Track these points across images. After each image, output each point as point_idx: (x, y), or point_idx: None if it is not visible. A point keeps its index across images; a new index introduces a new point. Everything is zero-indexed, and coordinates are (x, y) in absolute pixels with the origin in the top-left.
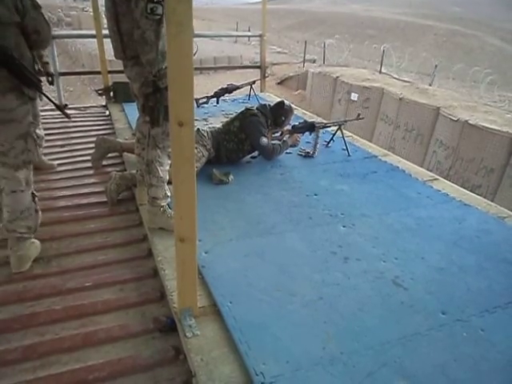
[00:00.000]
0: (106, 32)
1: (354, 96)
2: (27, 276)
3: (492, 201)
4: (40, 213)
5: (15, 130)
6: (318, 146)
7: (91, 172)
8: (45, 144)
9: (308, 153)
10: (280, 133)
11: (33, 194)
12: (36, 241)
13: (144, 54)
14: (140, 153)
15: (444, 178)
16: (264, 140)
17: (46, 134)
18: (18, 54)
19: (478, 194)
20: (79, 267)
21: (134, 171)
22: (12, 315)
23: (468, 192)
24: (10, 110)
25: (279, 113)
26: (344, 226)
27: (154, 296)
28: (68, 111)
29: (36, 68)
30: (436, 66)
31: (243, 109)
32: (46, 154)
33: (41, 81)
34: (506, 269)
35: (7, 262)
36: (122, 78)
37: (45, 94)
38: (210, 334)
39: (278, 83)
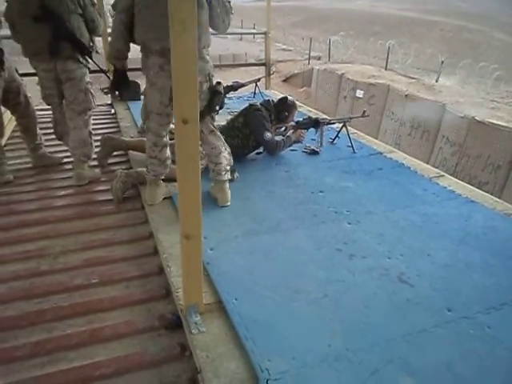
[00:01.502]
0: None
1: (360, 93)
2: (34, 273)
3: (499, 197)
4: (94, 145)
5: (76, 86)
6: (324, 138)
7: (97, 170)
8: (51, 142)
9: (313, 150)
10: (284, 128)
11: (89, 131)
12: (96, 170)
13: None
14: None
15: (450, 175)
16: (268, 135)
17: (52, 133)
18: (79, 33)
19: (485, 191)
20: (85, 264)
21: (140, 169)
22: (19, 312)
23: (474, 188)
24: (71, 71)
25: (282, 108)
26: (349, 223)
27: (160, 293)
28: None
29: (90, 44)
30: (442, 61)
31: (247, 105)
32: (52, 153)
33: (91, 52)
34: None
35: (15, 258)
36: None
37: (94, 61)
38: (215, 331)
39: (284, 80)
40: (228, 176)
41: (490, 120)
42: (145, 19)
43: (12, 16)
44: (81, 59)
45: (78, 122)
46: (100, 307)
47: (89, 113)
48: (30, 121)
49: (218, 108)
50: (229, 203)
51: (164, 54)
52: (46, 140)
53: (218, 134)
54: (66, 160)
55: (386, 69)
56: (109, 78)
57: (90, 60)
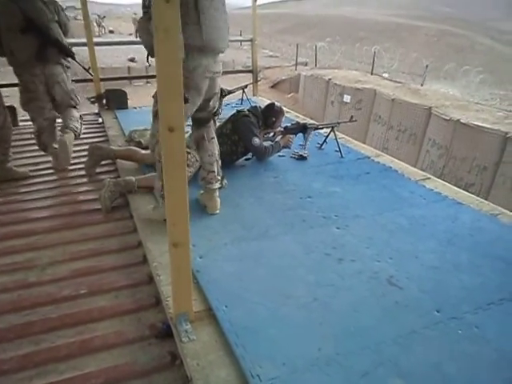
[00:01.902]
0: (96, 40)
1: (347, 98)
2: (22, 284)
3: (486, 199)
4: (82, 121)
5: (64, 87)
6: (309, 142)
7: (85, 180)
8: (37, 153)
9: (301, 155)
10: (272, 134)
11: (80, 116)
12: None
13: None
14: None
15: (438, 178)
16: (256, 140)
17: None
18: (60, 38)
19: (471, 193)
20: (74, 274)
21: (128, 178)
22: (7, 324)
23: (460, 190)
24: (58, 74)
25: (270, 114)
26: (338, 228)
27: (150, 302)
28: (59, 120)
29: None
30: (427, 66)
31: (235, 111)
32: (38, 164)
33: (74, 54)
34: (499, 266)
35: (2, 270)
36: (114, 85)
37: (77, 61)
38: (205, 339)
39: (271, 87)
40: (218, 184)
41: (474, 122)
42: (213, 18)
43: None
44: (65, 63)
45: (68, 112)
46: (89, 318)
47: (76, 107)
48: (7, 132)
49: (220, 111)
50: (218, 211)
51: (215, 55)
52: (14, 153)
53: (216, 141)
54: (51, 171)
55: (371, 74)
56: (91, 74)
57: (74, 61)
